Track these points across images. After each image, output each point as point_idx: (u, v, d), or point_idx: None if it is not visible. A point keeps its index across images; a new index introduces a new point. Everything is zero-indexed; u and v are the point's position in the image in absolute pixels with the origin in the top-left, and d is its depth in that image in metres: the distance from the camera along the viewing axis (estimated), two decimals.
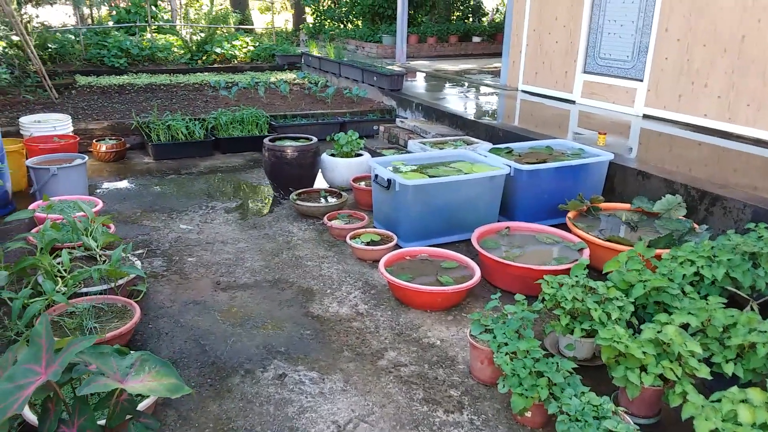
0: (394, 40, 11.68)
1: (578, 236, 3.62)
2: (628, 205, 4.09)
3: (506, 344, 2.48)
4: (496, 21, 15.06)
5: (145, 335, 2.91)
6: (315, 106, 7.65)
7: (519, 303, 2.69)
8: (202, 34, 11.52)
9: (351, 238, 3.86)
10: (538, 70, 7.69)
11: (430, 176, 4.08)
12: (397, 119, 7.25)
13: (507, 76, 8.29)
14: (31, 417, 1.96)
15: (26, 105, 6.93)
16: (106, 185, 5.19)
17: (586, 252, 3.44)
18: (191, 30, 12.01)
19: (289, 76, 10.02)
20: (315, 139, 5.03)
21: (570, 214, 3.92)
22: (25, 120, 5.31)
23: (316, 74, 10.15)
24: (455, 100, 7.43)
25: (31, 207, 3.79)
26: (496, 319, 2.66)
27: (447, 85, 8.74)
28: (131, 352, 1.82)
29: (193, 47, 10.85)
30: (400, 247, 3.87)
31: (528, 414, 2.32)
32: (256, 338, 2.93)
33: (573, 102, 7.15)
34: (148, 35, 11.36)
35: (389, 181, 3.89)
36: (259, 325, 3.05)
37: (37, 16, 10.23)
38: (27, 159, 4.62)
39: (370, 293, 3.40)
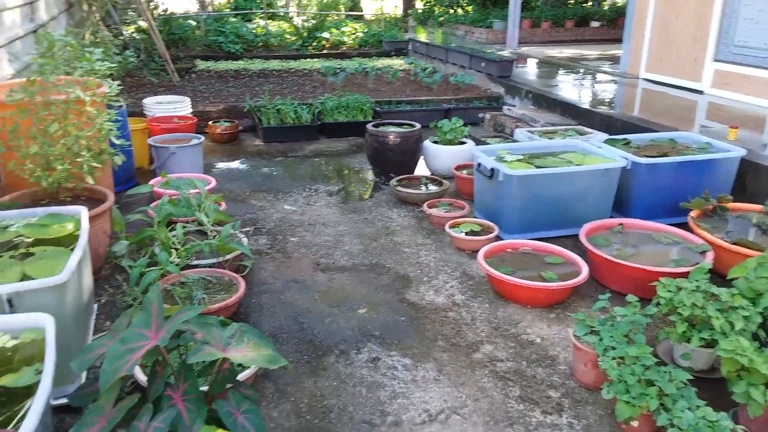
0: (505, 25, 11.37)
1: (701, 237, 3.34)
2: (760, 207, 3.72)
3: (613, 348, 2.34)
4: (618, 4, 14.23)
5: (248, 309, 3.06)
6: (420, 93, 7.64)
7: (631, 305, 2.53)
8: (313, 21, 11.87)
9: (450, 227, 3.82)
10: (663, 57, 7.16)
11: (536, 167, 3.93)
12: (504, 107, 7.07)
13: (627, 62, 7.81)
14: (142, 377, 2.12)
15: (150, 87, 7.49)
16: (219, 165, 5.51)
17: (710, 255, 3.17)
18: (303, 17, 12.40)
19: (396, 62, 10.07)
20: (418, 126, 5.02)
21: (693, 213, 3.62)
22: (148, 101, 5.75)
23: (422, 60, 10.12)
24: (568, 88, 7.11)
25: (150, 183, 4.09)
26: (603, 320, 2.52)
27: (560, 71, 8.39)
28: (233, 323, 1.91)
29: (304, 33, 11.20)
30: (501, 239, 3.77)
31: (634, 424, 2.18)
32: (352, 320, 2.98)
33: (701, 92, 6.60)
34: (262, 22, 11.87)
35: (492, 170, 3.80)
36: (356, 307, 3.10)
37: (163, 3, 11.03)
38: (149, 138, 4.99)
39: (468, 284, 3.35)
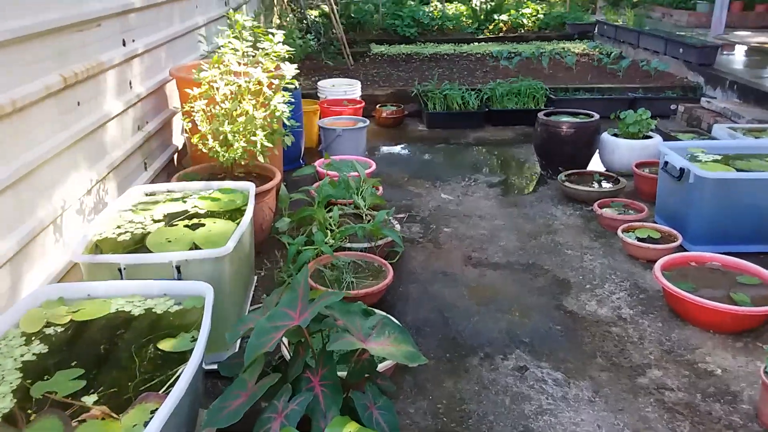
0: (710, 7, 10.11)
1: None
2: None
3: None
4: None
5: (394, 297, 3.06)
6: (603, 80, 7.09)
7: None
8: (492, 3, 11.59)
9: (623, 231, 3.48)
10: None
11: (737, 170, 3.42)
12: (702, 99, 6.29)
13: None
14: (287, 354, 2.20)
15: (327, 70, 7.87)
16: (382, 149, 5.62)
17: None
18: None
19: (579, 46, 9.47)
20: (596, 116, 4.64)
21: None
22: (322, 83, 6.03)
23: (610, 45, 9.40)
24: None
25: (315, 164, 4.28)
26: None
27: None
28: (376, 312, 1.89)
29: (481, 16, 10.99)
30: (685, 250, 3.36)
31: None
32: (500, 322, 2.85)
33: None
34: (440, 5, 11.87)
35: (682, 170, 3.37)
36: (505, 309, 2.96)
37: None
38: (319, 119, 5.23)
39: (638, 297, 3.03)
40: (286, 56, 3.38)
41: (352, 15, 10.47)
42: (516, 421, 2.24)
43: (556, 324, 2.83)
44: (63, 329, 1.90)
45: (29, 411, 1.53)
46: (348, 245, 3.25)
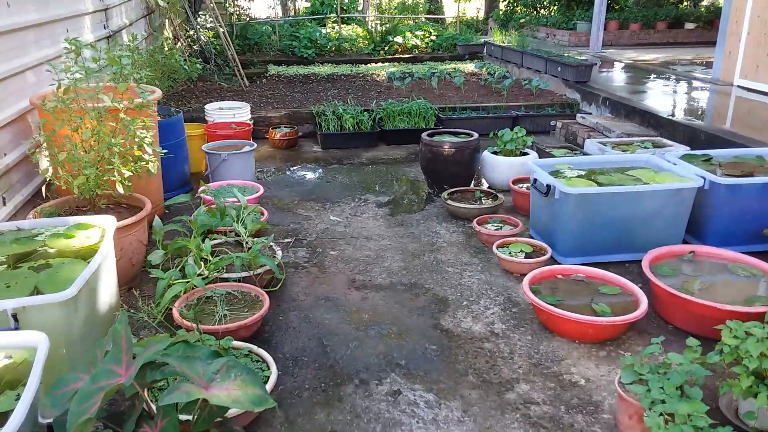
0: (589, 27, 10.78)
1: None
2: None
3: (662, 402, 2.03)
4: (719, 4, 13.16)
5: (273, 327, 2.96)
6: (489, 99, 7.34)
7: (689, 351, 2.20)
8: (387, 25, 11.79)
9: (498, 247, 3.55)
10: (761, 63, 6.47)
11: (599, 184, 3.59)
12: (579, 115, 6.64)
13: (721, 68, 7.14)
14: None
15: (220, 92, 7.66)
16: (274, 171, 5.49)
17: None
18: (378, 20, 12.35)
19: (468, 66, 9.79)
20: (476, 135, 4.76)
21: None
22: (209, 107, 5.84)
23: (497, 64, 9.78)
24: (652, 95, 6.58)
25: (199, 190, 4.11)
26: (655, 367, 2.21)
27: (646, 77, 7.81)
28: (221, 358, 1.78)
29: (377, 38, 11.14)
30: (556, 262, 3.47)
31: None
32: (378, 346, 2.81)
33: None
34: (336, 27, 11.93)
35: (548, 186, 3.50)
36: (384, 332, 2.92)
37: (249, 9, 11.31)
38: (206, 143, 5.05)
39: (511, 311, 3.09)
40: (142, 80, 3.21)
41: (249, 36, 10.30)
42: None
43: (432, 344, 2.82)
44: None
45: None
46: (226, 275, 3.12)
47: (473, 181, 4.92)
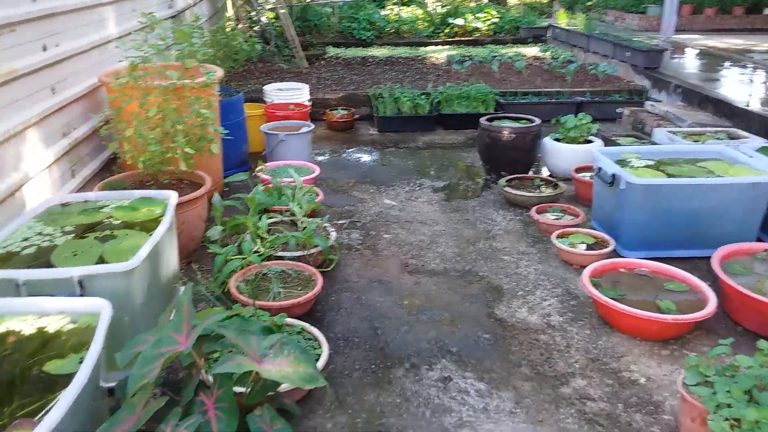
0: (660, 11, 10.28)
1: None
2: None
3: (729, 406, 1.93)
4: None
5: (325, 306, 2.98)
6: (552, 84, 7.14)
7: (760, 354, 2.08)
8: (449, 7, 11.60)
9: (558, 237, 3.46)
10: None
11: (668, 175, 3.44)
12: (648, 102, 6.37)
13: None
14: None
15: (279, 73, 7.74)
16: (330, 153, 5.53)
17: None
18: (439, 2, 12.18)
19: (531, 50, 9.53)
20: (538, 121, 4.64)
21: None
22: (268, 87, 5.91)
23: (562, 48, 9.48)
24: (727, 84, 6.24)
25: (257, 170, 4.18)
26: (722, 369, 2.10)
27: (721, 64, 7.41)
28: (275, 334, 1.80)
29: (437, 20, 10.98)
30: (618, 255, 3.36)
31: None
32: (430, 332, 2.79)
33: None
34: (396, 8, 11.83)
35: (614, 176, 3.37)
36: (437, 317, 2.90)
37: None
38: (265, 123, 5.12)
39: (569, 304, 3.01)
40: (202, 58, 3.26)
41: (309, 18, 10.36)
42: None
43: (485, 332, 2.79)
44: None
45: None
46: (281, 254, 3.16)
47: (533, 169, 4.80)
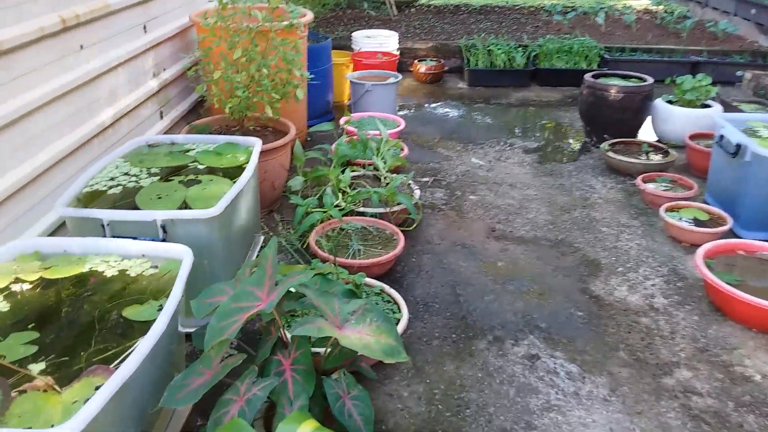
0: None
1: None
2: None
3: None
4: None
5: (405, 268, 2.87)
6: (664, 40, 6.53)
7: None
8: None
9: (667, 210, 3.16)
10: None
11: None
12: None
13: None
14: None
15: (368, 20, 7.53)
16: (416, 106, 5.33)
17: None
18: None
19: (641, 2, 8.78)
20: (650, 80, 4.23)
21: None
22: (357, 34, 5.73)
23: (676, 2, 8.67)
24: None
25: (341, 120, 4.06)
26: None
27: None
28: (357, 300, 1.70)
29: None
30: (736, 235, 3.02)
31: None
32: (517, 303, 2.62)
33: None
34: None
35: (738, 146, 3.01)
36: (524, 289, 2.73)
37: None
38: (351, 72, 4.98)
39: (675, 285, 2.74)
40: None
41: None
42: (518, 416, 2.04)
43: (578, 309, 2.59)
44: (30, 286, 1.79)
45: None
46: (362, 210, 3.06)
47: (639, 133, 4.42)
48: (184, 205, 2.25)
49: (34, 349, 1.53)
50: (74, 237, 2.02)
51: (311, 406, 1.58)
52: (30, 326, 1.61)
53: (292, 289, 1.63)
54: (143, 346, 1.48)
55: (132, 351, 1.48)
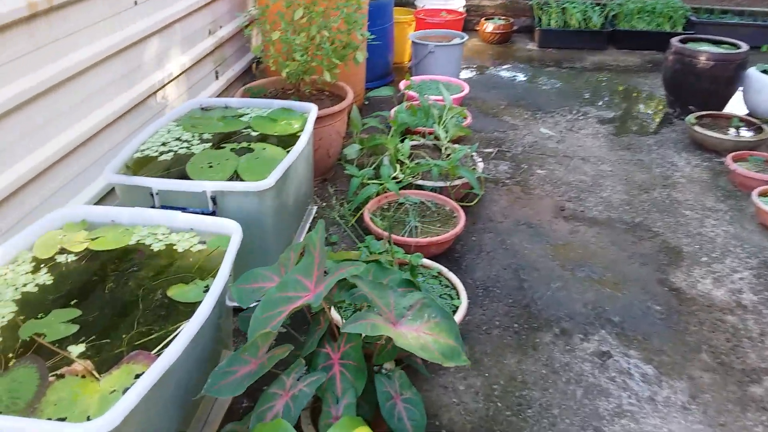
0: None
1: None
2: None
3: None
4: None
5: (465, 247, 2.71)
6: (758, 2, 5.95)
7: None
8: None
9: (760, 195, 2.86)
10: None
11: None
12: None
13: None
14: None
15: None
16: (481, 69, 5.06)
17: None
18: None
19: None
20: (744, 47, 3.83)
21: None
22: None
23: None
24: None
25: (401, 84, 3.87)
26: None
27: None
28: (414, 292, 1.56)
29: None
30: None
31: None
32: (587, 293, 2.43)
33: None
34: None
35: None
36: (596, 277, 2.53)
37: None
38: (413, 31, 4.75)
39: (767, 281, 2.48)
40: None
41: None
42: (586, 421, 1.88)
43: (656, 303, 2.37)
44: (75, 258, 1.73)
45: (11, 355, 1.38)
46: (420, 183, 2.90)
47: (728, 106, 4.04)
48: (236, 176, 2.15)
49: (75, 328, 1.47)
50: (122, 206, 1.95)
51: (360, 402, 1.48)
52: (72, 302, 1.56)
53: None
54: (187, 331, 1.39)
55: (175, 337, 1.40)
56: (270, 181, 2.02)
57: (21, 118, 1.96)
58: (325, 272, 1.46)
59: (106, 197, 2.40)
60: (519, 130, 3.89)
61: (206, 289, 1.60)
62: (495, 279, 2.52)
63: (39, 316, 1.50)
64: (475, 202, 3.00)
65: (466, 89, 3.96)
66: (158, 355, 1.35)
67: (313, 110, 2.60)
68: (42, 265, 1.69)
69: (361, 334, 1.52)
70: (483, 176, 3.08)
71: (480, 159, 3.17)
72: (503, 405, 1.94)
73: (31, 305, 1.54)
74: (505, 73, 4.97)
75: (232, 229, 1.79)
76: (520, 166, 3.43)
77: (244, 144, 2.37)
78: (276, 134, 2.47)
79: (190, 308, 1.50)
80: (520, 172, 3.37)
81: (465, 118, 3.55)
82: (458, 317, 2.06)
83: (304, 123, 2.52)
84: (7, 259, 1.70)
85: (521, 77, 4.87)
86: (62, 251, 1.76)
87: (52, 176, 2.13)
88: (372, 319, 1.36)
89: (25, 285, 1.61)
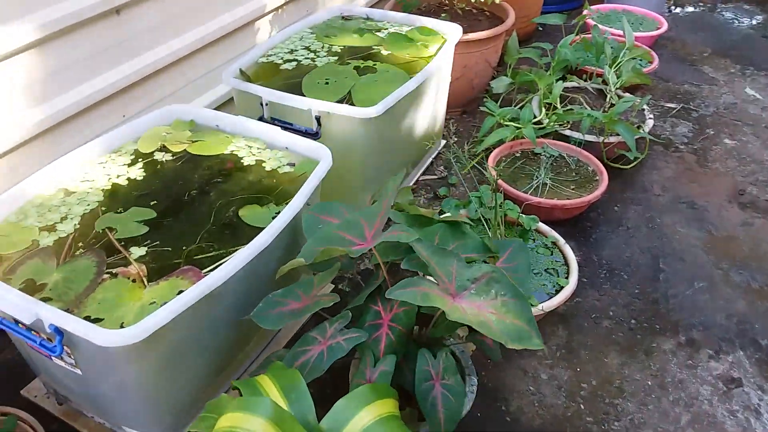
0: None
1: None
2: None
3: None
4: None
5: (600, 217, 2.40)
6: None
7: None
8: None
9: None
10: None
11: None
12: None
13: None
14: None
15: None
16: (694, 4, 4.32)
17: None
18: None
19: None
20: None
21: None
22: None
23: None
24: None
25: (585, 11, 3.42)
26: None
27: None
28: (484, 265, 1.39)
29: None
30: None
31: None
32: (736, 302, 2.04)
33: None
34: None
35: None
36: (755, 285, 2.11)
37: None
38: None
39: None
40: None
41: None
42: None
43: None
44: (172, 158, 1.79)
45: (80, 244, 1.47)
46: (567, 133, 2.58)
47: None
48: (348, 97, 2.06)
49: (145, 229, 1.52)
50: (228, 113, 1.97)
51: (405, 370, 1.39)
52: (152, 203, 1.61)
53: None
54: (237, 258, 1.38)
55: (228, 259, 1.39)
56: (376, 110, 1.90)
57: None
58: (385, 226, 1.34)
59: (230, 101, 2.45)
60: (717, 86, 3.29)
61: (275, 216, 1.56)
62: (626, 261, 2.20)
63: (118, 210, 1.58)
64: (632, 166, 2.62)
65: (664, 27, 3.41)
66: (206, 275, 1.36)
67: (454, 32, 2.39)
68: (140, 160, 1.77)
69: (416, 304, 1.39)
70: (647, 137, 2.65)
71: (651, 116, 2.73)
72: (587, 409, 1.73)
73: (115, 198, 1.62)
74: (725, 12, 4.19)
75: (321, 155, 1.72)
76: (704, 130, 2.92)
77: (370, 63, 2.26)
78: (407, 56, 2.31)
79: (255, 233, 1.48)
80: (701, 138, 2.87)
81: (651, 62, 3.07)
82: (561, 298, 1.83)
83: (441, 48, 2.32)
84: (112, 148, 1.80)
85: (745, 20, 4.08)
86: (162, 149, 1.82)
87: (180, 71, 2.20)
88: (424, 288, 1.23)
89: (118, 176, 1.70)
